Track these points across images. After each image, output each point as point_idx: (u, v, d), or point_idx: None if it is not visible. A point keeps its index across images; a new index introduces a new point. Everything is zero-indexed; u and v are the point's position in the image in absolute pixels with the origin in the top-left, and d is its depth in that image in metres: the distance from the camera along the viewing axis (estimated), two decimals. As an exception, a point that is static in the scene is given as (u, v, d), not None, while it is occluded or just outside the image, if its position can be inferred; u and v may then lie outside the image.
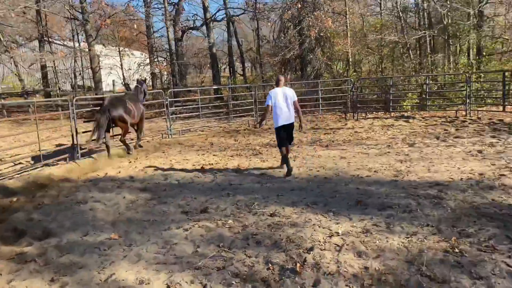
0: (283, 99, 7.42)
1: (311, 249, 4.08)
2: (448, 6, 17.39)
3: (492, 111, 13.59)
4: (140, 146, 10.39)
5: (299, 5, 17.97)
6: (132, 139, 10.76)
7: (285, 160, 7.49)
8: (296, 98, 7.59)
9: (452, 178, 6.41)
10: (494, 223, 4.53)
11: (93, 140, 8.68)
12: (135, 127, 10.24)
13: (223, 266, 3.88)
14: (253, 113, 15.20)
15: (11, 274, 3.96)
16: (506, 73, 13.98)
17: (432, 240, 4.15)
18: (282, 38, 19.55)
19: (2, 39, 22.06)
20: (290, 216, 5.09)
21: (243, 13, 24.00)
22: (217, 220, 5.12)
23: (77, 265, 4.05)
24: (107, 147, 9.28)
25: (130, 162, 9.26)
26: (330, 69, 20.18)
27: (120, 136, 9.44)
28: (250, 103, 15.72)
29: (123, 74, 24.20)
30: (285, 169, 7.46)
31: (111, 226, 5.18)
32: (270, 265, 3.81)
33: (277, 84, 7.61)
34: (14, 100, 21.24)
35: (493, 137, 9.72)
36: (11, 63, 25.31)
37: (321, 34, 18.41)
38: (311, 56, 18.73)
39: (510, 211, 4.86)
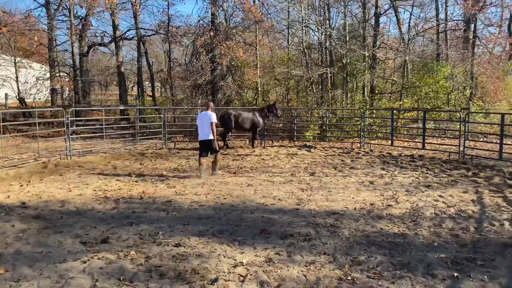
0: (201, 121, 9.53)
1: (216, 280, 4.11)
2: (347, 47, 19.13)
3: (382, 144, 15.08)
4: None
5: (212, 33, 18.35)
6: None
7: (199, 167, 9.64)
8: (212, 121, 9.36)
9: (347, 207, 6.96)
10: (381, 250, 5.02)
11: None
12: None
13: (123, 301, 3.73)
14: (161, 136, 14.93)
15: None
16: (394, 111, 15.69)
17: (328, 268, 4.46)
18: (194, 63, 19.69)
19: None
20: (195, 246, 5.08)
21: (154, 34, 23.73)
22: (118, 252, 4.91)
23: (-49, 307, 3.58)
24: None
25: (22, 185, 8.47)
26: (241, 96, 20.75)
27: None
28: (158, 125, 15.42)
29: (18, 87, 22.16)
30: (201, 174, 9.49)
31: (-5, 259, 4.67)
32: (173, 298, 3.76)
33: (206, 108, 9.72)
34: None
35: (383, 169, 10.77)
36: None
37: (232, 63, 18.95)
38: (222, 83, 19.12)
39: (395, 239, 5.43)
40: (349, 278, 4.20)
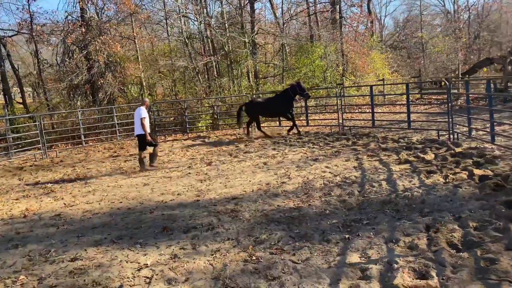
0: (134, 116, 10.11)
1: (120, 287, 3.95)
2: (227, 35, 19.42)
3: (271, 126, 15.74)
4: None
5: (83, 29, 17.11)
6: None
7: (139, 161, 10.18)
8: (141, 117, 9.82)
9: (245, 191, 7.17)
10: (280, 226, 5.29)
11: None
12: None
13: (17, 332, 3.38)
14: (40, 145, 13.60)
15: None
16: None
17: (233, 252, 4.58)
18: (68, 62, 18.21)
19: None
20: (94, 257, 4.79)
21: (16, 34, 21.28)
22: (5, 279, 4.41)
23: None
24: None
25: None
26: (125, 93, 19.82)
27: None
28: (35, 134, 14.01)
29: None
30: (141, 166, 10.03)
31: None
32: (75, 316, 3.52)
33: (140, 104, 10.21)
34: None
35: (274, 149, 11.29)
36: None
37: (110, 59, 17.97)
38: (102, 81, 18.02)
39: (291, 213, 5.76)
40: (254, 258, 4.36)
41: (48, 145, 13.99)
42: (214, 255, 4.56)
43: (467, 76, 20.69)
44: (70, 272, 4.45)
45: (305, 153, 10.25)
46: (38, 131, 13.60)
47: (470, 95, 11.28)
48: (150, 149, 10.17)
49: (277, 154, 10.53)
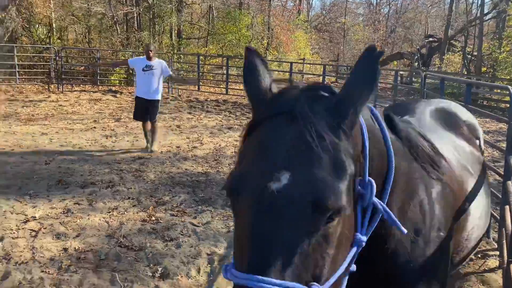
0: (149, 72, 7.01)
1: (1, 239, 3.62)
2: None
3: (190, 90, 15.39)
4: None
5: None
6: None
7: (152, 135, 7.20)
8: (170, 74, 7.62)
9: (152, 154, 6.94)
10: (185, 189, 5.24)
11: None
12: None
13: None
14: None
15: None
16: (201, 57, 16.06)
17: (132, 212, 4.43)
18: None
19: None
20: (-28, 206, 4.33)
21: None
22: None
23: None
24: None
25: None
26: (29, 32, 17.84)
27: None
28: None
29: None
30: (153, 143, 7.08)
31: None
32: None
33: (148, 53, 7.00)
34: None
35: (190, 113, 11.08)
36: None
37: (16, -10, 15.92)
38: (4, 15, 15.96)
39: (198, 178, 5.73)
40: (153, 218, 4.27)
41: None
42: (111, 213, 4.38)
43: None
44: None
45: (220, 121, 10.21)
46: None
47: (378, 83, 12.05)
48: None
49: (192, 118, 10.36)
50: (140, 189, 5.11)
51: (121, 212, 4.40)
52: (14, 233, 3.79)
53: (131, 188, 5.14)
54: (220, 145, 7.68)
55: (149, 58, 6.93)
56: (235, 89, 15.91)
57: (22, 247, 3.54)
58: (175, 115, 10.64)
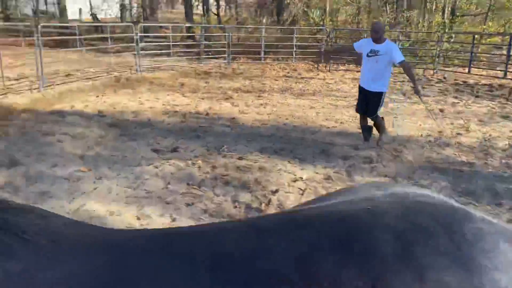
0: (374, 57, 5.81)
1: (276, 191, 4.31)
2: (430, -39, 17.22)
3: (458, 72, 14.02)
4: None
5: None
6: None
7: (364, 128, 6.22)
8: (402, 60, 5.74)
9: (413, 134, 6.75)
10: (445, 177, 4.91)
11: None
12: None
13: (192, 202, 4.06)
14: (226, 55, 14.96)
15: (-20, 200, 3.98)
16: (476, 36, 14.31)
17: (388, 189, 4.48)
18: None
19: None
20: (258, 161, 5.29)
21: None
22: (187, 160, 5.24)
23: (47, 195, 4.12)
24: None
25: (98, 96, 9.08)
26: (307, 16, 19.87)
27: None
28: (223, 45, 15.39)
29: (90, 2, 22.83)
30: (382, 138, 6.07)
31: (80, 159, 5.21)
32: (237, 203, 4.03)
33: (377, 34, 5.77)
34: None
35: (455, 97, 10.14)
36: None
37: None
38: (289, 1, 18.31)
39: (461, 167, 5.26)
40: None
41: (232, 56, 15.26)
42: (368, 186, 4.55)
43: None
44: (237, 167, 5.03)
45: (493, 108, 8.95)
46: (226, 42, 14.90)
47: None
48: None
49: (458, 103, 9.46)
50: (397, 169, 5.10)
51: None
52: (286, 188, 4.45)
53: (388, 166, 5.19)
54: (490, 135, 6.77)
55: (375, 41, 5.70)
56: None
57: (292, 201, 4.12)
58: (438, 98, 9.94)
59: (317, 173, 4.95)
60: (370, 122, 6.26)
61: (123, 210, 3.84)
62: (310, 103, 9.10)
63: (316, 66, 15.16)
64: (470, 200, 4.27)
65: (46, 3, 25.30)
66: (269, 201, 4.08)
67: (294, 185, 4.53)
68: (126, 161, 5.19)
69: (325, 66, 14.86)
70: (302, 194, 4.28)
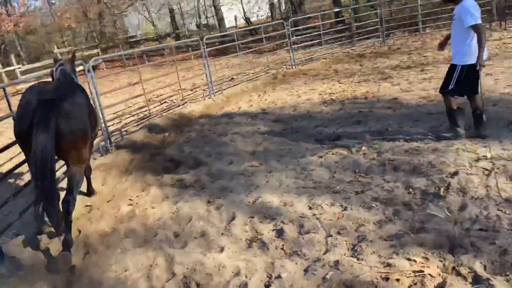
0: (455, 23, 4.81)
1: (456, 173, 3.89)
2: None
3: None
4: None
5: None
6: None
7: (454, 117, 4.94)
8: (477, 23, 4.50)
9: None
10: None
11: None
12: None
13: (361, 190, 3.97)
14: (379, 33, 14.21)
15: (176, 197, 4.66)
16: None
17: None
18: None
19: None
20: (428, 142, 4.86)
21: None
22: (351, 148, 5.15)
23: (228, 190, 4.57)
24: None
25: (259, 95, 9.66)
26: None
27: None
28: (375, 23, 14.65)
29: (243, 8, 24.48)
30: (448, 133, 4.98)
31: (251, 155, 5.62)
32: (411, 189, 3.78)
33: None
34: (150, 46, 23.32)
35: None
36: (144, 10, 27.58)
37: None
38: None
39: None
40: None
41: (386, 33, 14.41)
42: None
43: None
44: (406, 151, 4.72)
45: None
46: (378, 19, 14.15)
47: None
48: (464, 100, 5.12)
49: None
50: None
51: None
52: (467, 169, 3.97)
53: None
54: None
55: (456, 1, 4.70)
56: None
57: (476, 183, 3.66)
58: None
59: (505, 149, 4.29)
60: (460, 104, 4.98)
61: (295, 201, 3.99)
62: (485, 70, 7.89)
63: (489, 26, 13.17)
64: None
65: (206, 17, 28.16)
66: (448, 185, 3.71)
67: (477, 166, 4.01)
68: (291, 153, 5.39)
69: (500, 24, 12.78)
70: (488, 175, 3.76)
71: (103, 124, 6.73)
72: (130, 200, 4.83)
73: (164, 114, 8.69)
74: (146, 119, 8.26)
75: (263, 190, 4.37)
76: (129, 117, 8.95)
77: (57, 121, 3.36)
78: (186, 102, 9.29)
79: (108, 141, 6.81)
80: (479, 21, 4.49)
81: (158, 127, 7.90)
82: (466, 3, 4.60)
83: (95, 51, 22.02)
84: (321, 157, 5.03)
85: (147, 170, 5.72)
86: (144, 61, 19.17)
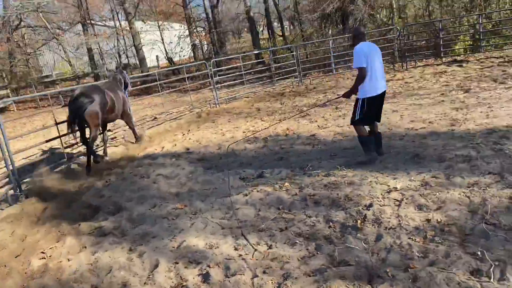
0: (377, 57, 5.30)
1: (370, 205, 4.13)
2: None
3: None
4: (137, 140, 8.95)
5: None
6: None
7: (366, 143, 5.55)
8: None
9: (513, 122, 6.11)
10: None
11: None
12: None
13: (285, 227, 4.04)
14: (296, 74, 15.03)
15: (95, 246, 4.36)
16: None
17: (495, 188, 4.06)
18: (320, -9, 18.82)
19: (48, 26, 22.99)
20: (345, 175, 5.14)
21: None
22: (274, 184, 5.26)
23: (150, 235, 4.38)
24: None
25: (184, 134, 9.60)
26: (374, 18, 19.30)
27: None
28: (292, 64, 15.52)
29: (165, 48, 24.56)
30: (363, 158, 5.55)
31: (175, 196, 5.49)
32: (331, 223, 3.93)
33: (362, 38, 5.40)
34: (66, 86, 22.31)
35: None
36: (59, 50, 26.48)
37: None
38: (352, 7, 17.96)
39: None
40: (524, 197, 3.76)
41: (303, 73, 15.29)
42: (472, 188, 4.17)
43: None
44: (325, 185, 4.93)
45: None
46: (295, 60, 15.00)
47: None
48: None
49: None
50: (502, 164, 4.61)
51: (482, 188, 4.11)
52: (380, 201, 4.24)
53: (491, 163, 4.72)
54: None
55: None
56: None
57: (389, 214, 3.90)
58: (538, 78, 8.93)
59: (412, 180, 4.66)
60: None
61: (221, 242, 3.94)
62: (391, 107, 8.71)
63: (392, 67, 14.57)
64: None
65: (127, 57, 27.75)
66: (364, 217, 3.92)
67: (389, 197, 4.31)
68: (217, 193, 5.36)
69: (402, 65, 14.21)
70: (399, 206, 4.05)
71: (11, 171, 6.20)
72: (43, 253, 4.43)
73: (81, 157, 8.25)
74: (61, 163, 7.77)
75: (187, 233, 4.27)
76: (42, 161, 8.35)
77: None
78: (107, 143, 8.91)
79: (18, 189, 6.26)
80: (359, 65, 5.16)
81: (74, 171, 7.46)
82: (356, 48, 5.23)
83: (4, 92, 20.52)
84: (246, 195, 5.07)
85: (62, 218, 5.32)
86: (61, 102, 18.23)
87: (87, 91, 7.07)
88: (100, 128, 7.88)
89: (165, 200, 5.36)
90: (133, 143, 8.92)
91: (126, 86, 8.85)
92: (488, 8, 16.31)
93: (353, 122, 5.56)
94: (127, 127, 9.11)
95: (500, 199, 3.80)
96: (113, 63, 28.81)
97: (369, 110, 5.36)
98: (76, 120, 6.87)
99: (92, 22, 26.91)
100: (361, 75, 5.17)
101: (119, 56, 27.26)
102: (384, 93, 5.44)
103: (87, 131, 7.31)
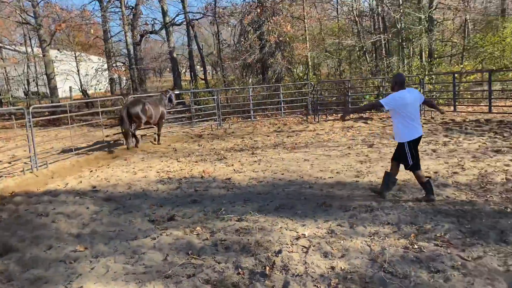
0: (417, 103, 5.57)
1: (279, 252, 4.18)
2: (401, 11, 18.16)
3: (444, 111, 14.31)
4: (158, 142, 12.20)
5: (259, 10, 18.18)
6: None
7: (392, 183, 5.82)
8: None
9: (410, 177, 6.72)
10: (448, 218, 4.83)
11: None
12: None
13: (193, 273, 3.91)
14: (216, 117, 15.22)
15: (-29, 294, 3.80)
16: (456, 75, 14.78)
17: (393, 237, 4.37)
18: (243, 42, 19.69)
19: None
20: (257, 221, 5.18)
21: (202, 17, 23.95)
22: (185, 228, 5.12)
23: (43, 280, 3.95)
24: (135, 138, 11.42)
25: (91, 171, 9.04)
26: (291, 72, 20.53)
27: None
28: (212, 107, 15.71)
29: (80, 80, 23.48)
30: (379, 189, 5.87)
31: (75, 238, 5.07)
32: (240, 269, 3.88)
33: (402, 86, 5.47)
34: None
35: (446, 136, 10.27)
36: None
37: (281, 38, 18.69)
38: (272, 60, 18.98)
39: (463, 206, 5.19)
40: (416, 246, 4.09)
41: (222, 117, 15.53)
42: (372, 237, 4.44)
43: None
44: (237, 230, 4.91)
45: (484, 143, 9.04)
46: (215, 104, 15.22)
47: None
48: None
49: (449, 141, 9.55)
50: (399, 215, 5.01)
51: (381, 237, 4.40)
52: (289, 247, 4.31)
53: (389, 213, 5.10)
54: (486, 171, 6.77)
55: None
56: (500, 106, 13.85)
57: (296, 261, 3.97)
58: (429, 138, 10.05)
59: (319, 227, 4.84)
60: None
61: (122, 289, 3.67)
62: (303, 156, 9.13)
63: (305, 118, 15.42)
64: (477, 241, 4.17)
65: (37, 85, 25.98)
66: (273, 263, 3.94)
67: (297, 243, 4.40)
68: (122, 235, 5.06)
69: (314, 118, 15.12)
70: (306, 253, 4.15)
71: None
72: None
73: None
74: None
75: (86, 278, 3.92)
76: None
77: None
78: (1, 176, 8.06)
79: None
80: (384, 104, 5.41)
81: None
82: (395, 94, 5.41)
83: None
84: (154, 238, 4.84)
85: None
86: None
87: (134, 101, 11.25)
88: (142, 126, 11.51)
89: (64, 242, 4.91)
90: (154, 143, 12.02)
91: (170, 101, 12.60)
92: (390, 74, 18.27)
93: (410, 168, 5.56)
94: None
95: (396, 248, 4.09)
96: (19, 90, 26.76)
97: (415, 152, 5.48)
98: (127, 117, 10.72)
99: (0, 45, 24.99)
100: (375, 105, 5.54)
101: (28, 83, 25.43)
102: (420, 138, 5.55)
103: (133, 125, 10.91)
